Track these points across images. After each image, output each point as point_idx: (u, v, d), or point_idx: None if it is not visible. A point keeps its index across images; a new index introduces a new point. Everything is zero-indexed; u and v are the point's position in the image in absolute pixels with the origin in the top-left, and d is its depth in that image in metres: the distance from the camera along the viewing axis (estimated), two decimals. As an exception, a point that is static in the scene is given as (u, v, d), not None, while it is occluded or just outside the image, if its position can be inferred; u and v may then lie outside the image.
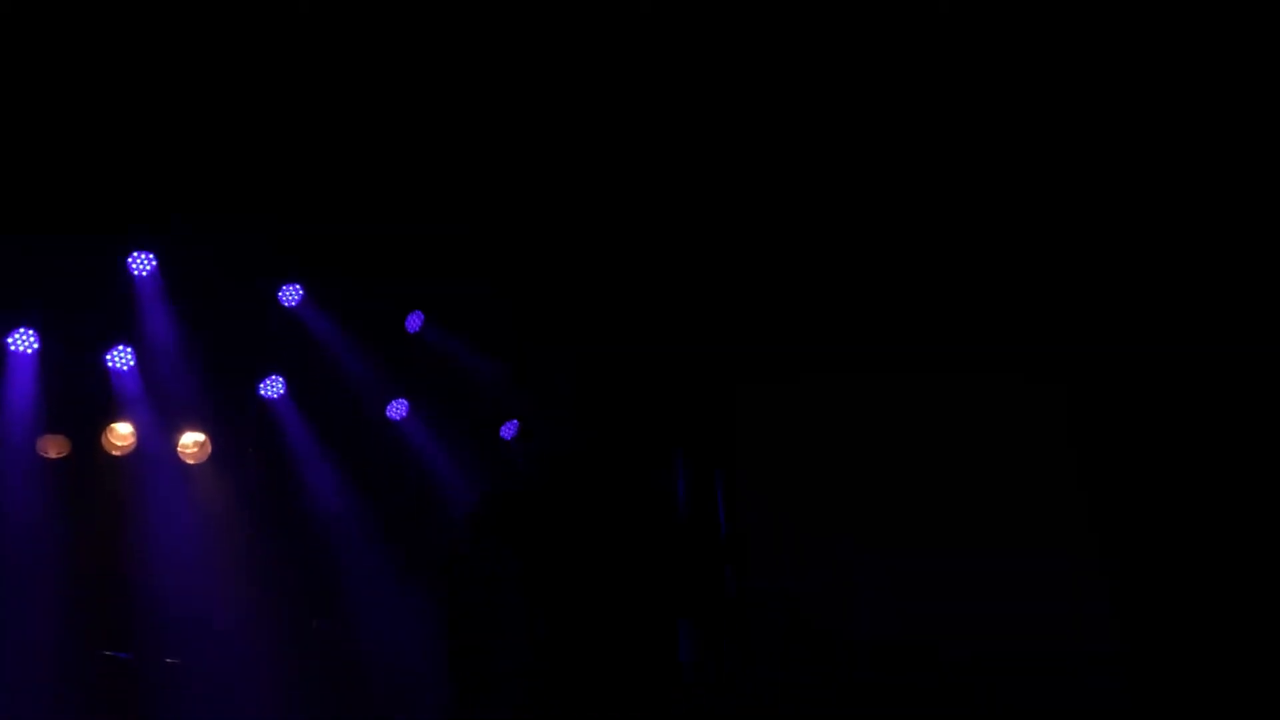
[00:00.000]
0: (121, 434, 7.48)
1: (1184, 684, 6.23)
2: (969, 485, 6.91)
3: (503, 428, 8.15)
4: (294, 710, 7.32)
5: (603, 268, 7.47)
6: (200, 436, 7.49)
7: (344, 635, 7.67)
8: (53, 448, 7.37)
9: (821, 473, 7.38)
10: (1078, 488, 6.67)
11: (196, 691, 7.25)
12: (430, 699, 7.74)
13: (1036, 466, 6.74)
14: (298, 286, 7.51)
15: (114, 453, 7.47)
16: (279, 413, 7.73)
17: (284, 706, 7.33)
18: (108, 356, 7.33)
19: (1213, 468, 6.26)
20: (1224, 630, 6.18)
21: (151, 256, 7.19)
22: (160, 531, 7.43)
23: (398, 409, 7.92)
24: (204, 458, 7.49)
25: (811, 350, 7.30)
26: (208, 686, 7.31)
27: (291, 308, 7.57)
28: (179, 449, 7.49)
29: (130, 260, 7.16)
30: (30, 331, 7.11)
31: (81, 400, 7.36)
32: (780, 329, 7.34)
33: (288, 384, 7.72)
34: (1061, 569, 6.58)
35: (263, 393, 7.69)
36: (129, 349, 7.34)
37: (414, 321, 7.70)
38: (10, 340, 7.08)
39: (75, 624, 7.25)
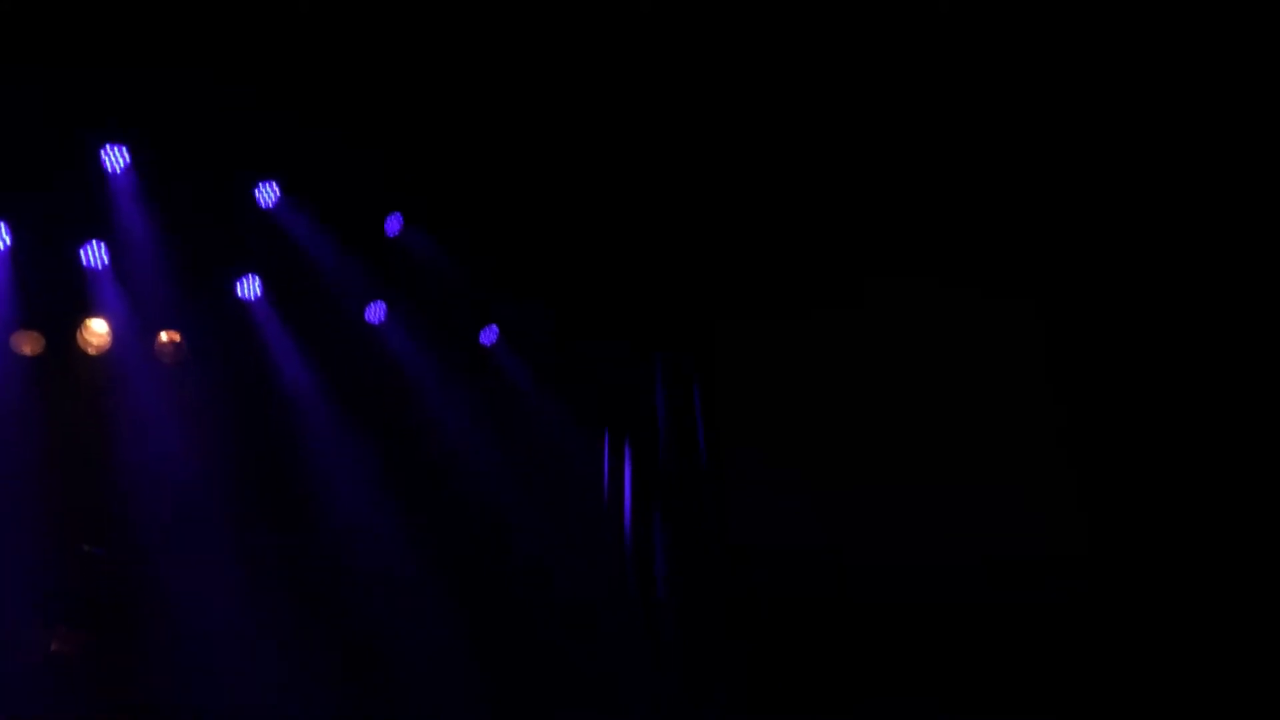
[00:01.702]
0: (97, 332, 7.41)
1: (1146, 586, 6.28)
2: (943, 404, 6.91)
3: (482, 333, 8.10)
4: (270, 603, 7.35)
5: (588, 174, 7.37)
6: (173, 336, 7.42)
7: (318, 535, 7.69)
8: (27, 344, 7.31)
9: (797, 392, 7.36)
10: (1051, 401, 6.67)
11: (172, 585, 7.27)
12: (409, 598, 7.79)
13: (1009, 378, 6.73)
14: (274, 185, 7.39)
15: (89, 350, 7.42)
16: (256, 314, 7.66)
17: (259, 597, 7.35)
18: (81, 252, 7.23)
19: (1181, 379, 6.25)
20: (1189, 534, 6.22)
21: (125, 150, 7.06)
22: (136, 429, 7.40)
23: (376, 312, 7.85)
24: (178, 357, 7.43)
25: (792, 270, 7.26)
26: (183, 580, 7.33)
27: (268, 208, 7.45)
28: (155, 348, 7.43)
29: (103, 154, 7.02)
30: (2, 225, 7.01)
31: (55, 297, 7.28)
32: (758, 250, 7.29)
33: (265, 285, 7.64)
34: (1034, 480, 6.59)
35: (240, 293, 7.61)
36: (103, 245, 7.25)
37: (393, 224, 7.60)
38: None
39: (51, 520, 7.23)
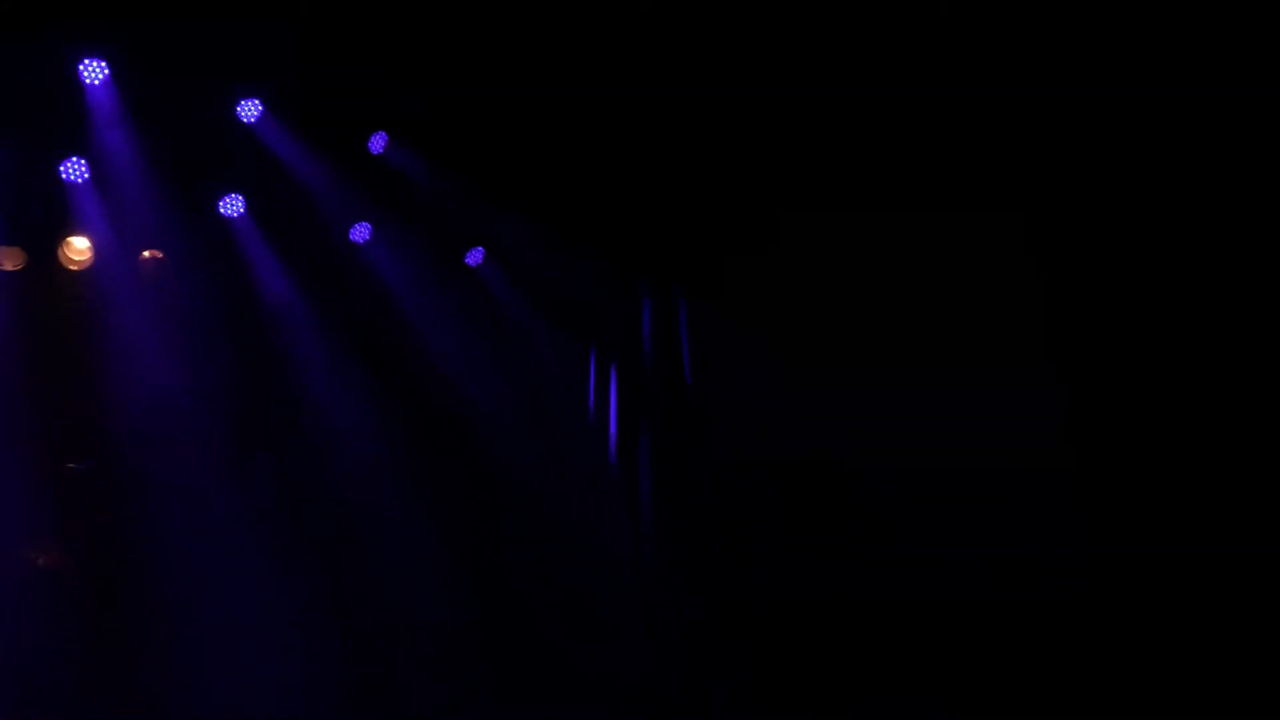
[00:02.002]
0: (78, 248, 7.36)
1: (1127, 499, 6.26)
2: (932, 318, 6.87)
3: (467, 254, 8.05)
4: (261, 511, 7.38)
5: (576, 95, 7.26)
6: (155, 253, 7.37)
7: (303, 452, 7.71)
8: (8, 260, 7.26)
9: (784, 309, 7.32)
10: (1038, 317, 6.63)
11: (160, 498, 7.30)
12: (396, 515, 7.83)
13: (997, 297, 6.68)
14: (257, 102, 7.28)
15: (71, 267, 7.37)
16: (239, 231, 7.61)
17: (244, 514, 7.38)
18: (61, 168, 7.15)
19: (1166, 294, 6.20)
20: (1172, 446, 6.19)
21: (104, 64, 6.95)
22: (119, 346, 7.37)
23: (361, 232, 7.79)
24: (160, 274, 7.39)
25: (780, 188, 7.18)
26: (171, 494, 7.35)
27: (251, 124, 7.35)
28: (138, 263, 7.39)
29: (82, 68, 6.92)
30: (-19, 138, 6.93)
31: (37, 213, 7.21)
32: (752, 166, 7.20)
33: (248, 203, 7.57)
34: (1021, 395, 6.56)
35: (222, 211, 7.54)
36: (83, 161, 7.17)
37: (377, 143, 7.50)
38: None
39: (36, 437, 7.24)
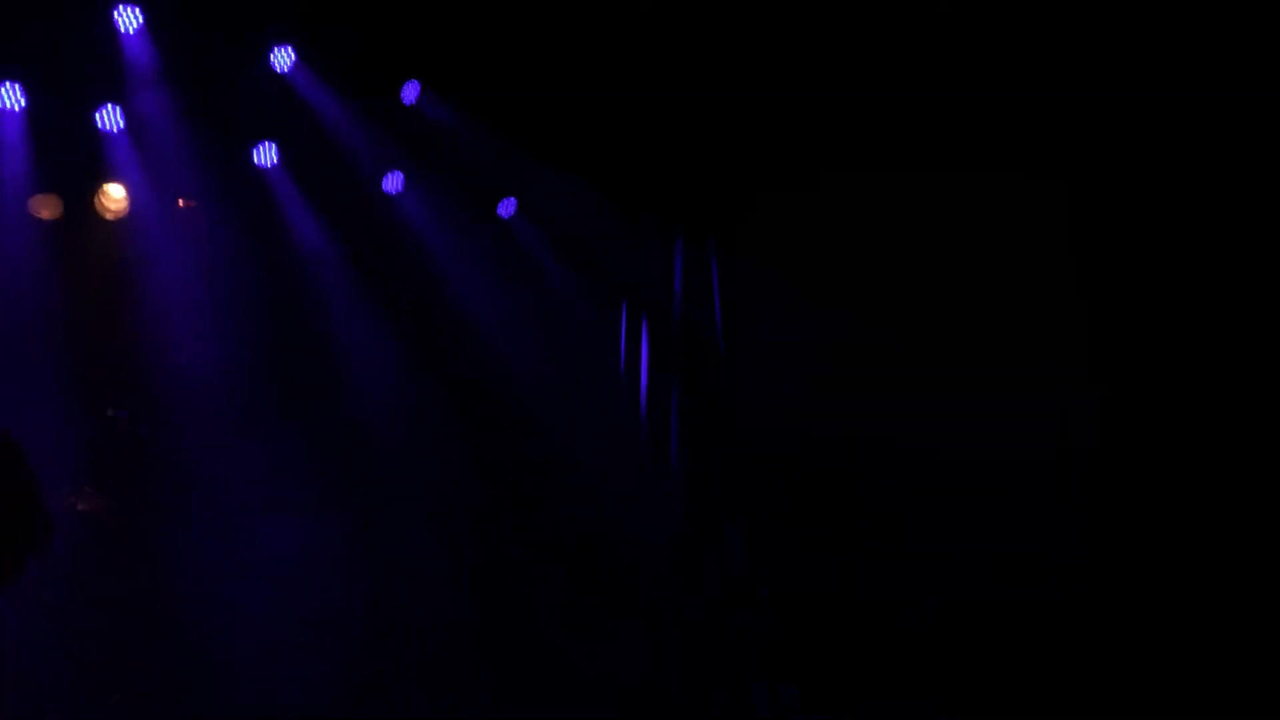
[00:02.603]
0: (114, 197, 7.40)
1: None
2: (969, 284, 6.81)
3: (499, 205, 8.03)
4: (292, 457, 7.44)
5: (611, 46, 7.20)
6: (189, 203, 7.41)
7: (335, 403, 7.76)
8: (45, 208, 7.31)
9: (818, 268, 7.26)
10: (1075, 291, 6.56)
11: (195, 443, 7.37)
12: (426, 465, 7.88)
13: (1034, 265, 6.61)
14: (290, 49, 7.27)
15: (107, 215, 7.41)
16: (272, 181, 7.63)
17: (281, 451, 7.44)
18: (97, 116, 7.18)
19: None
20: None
21: (139, 11, 6.95)
22: (154, 294, 7.43)
23: (394, 182, 7.79)
24: (193, 221, 7.43)
25: (820, 141, 7.11)
26: (204, 439, 7.43)
27: (285, 73, 7.35)
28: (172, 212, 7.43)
29: (116, 15, 6.92)
30: (16, 85, 6.95)
31: (72, 161, 7.25)
32: (791, 118, 7.13)
33: (281, 152, 7.58)
34: (1054, 369, 6.52)
35: (256, 160, 7.56)
36: (118, 109, 7.19)
37: (410, 92, 7.49)
38: (-6, 94, 6.93)
39: (72, 384, 7.31)
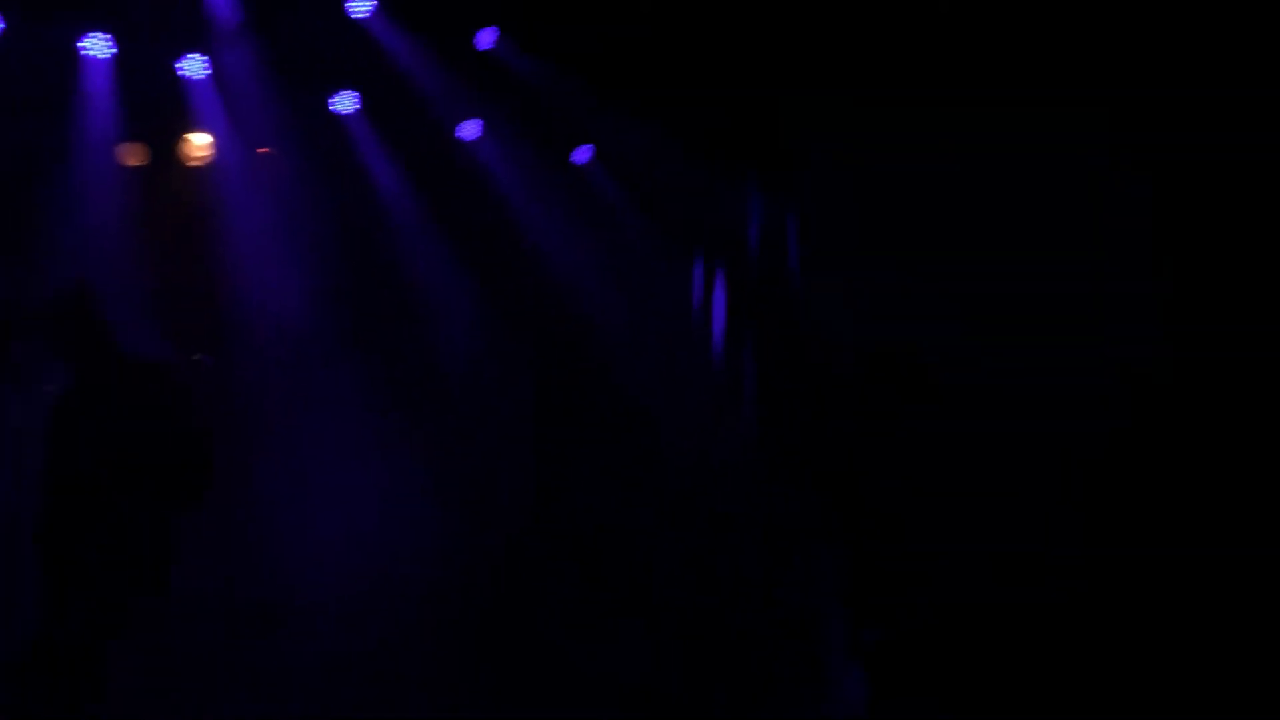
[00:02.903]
0: (198, 144, 7.53)
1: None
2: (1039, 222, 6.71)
3: (575, 152, 8.05)
4: (372, 402, 7.56)
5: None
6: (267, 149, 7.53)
7: (413, 349, 7.88)
8: (132, 155, 7.46)
9: (893, 212, 7.18)
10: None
11: (280, 389, 7.52)
12: (509, 403, 7.97)
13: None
14: (368, -4, 7.32)
15: (191, 163, 7.55)
16: (351, 129, 7.72)
17: (359, 395, 7.57)
18: (180, 65, 7.30)
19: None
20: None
21: (220, -40, 7.04)
22: (236, 239, 7.57)
23: (470, 129, 7.84)
24: (274, 168, 7.56)
25: (897, 81, 7.00)
26: (289, 385, 7.57)
27: (363, 20, 7.41)
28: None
29: (199, -37, 7.01)
30: (107, 36, 7.09)
31: (159, 109, 7.39)
32: (866, 58, 7.03)
33: (360, 100, 7.66)
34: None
35: (334, 108, 7.65)
36: (203, 58, 7.30)
37: (487, 38, 7.51)
38: (84, 45, 7.07)
39: (162, 330, 7.47)
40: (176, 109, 7.40)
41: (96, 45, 7.09)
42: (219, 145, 7.53)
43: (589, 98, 7.60)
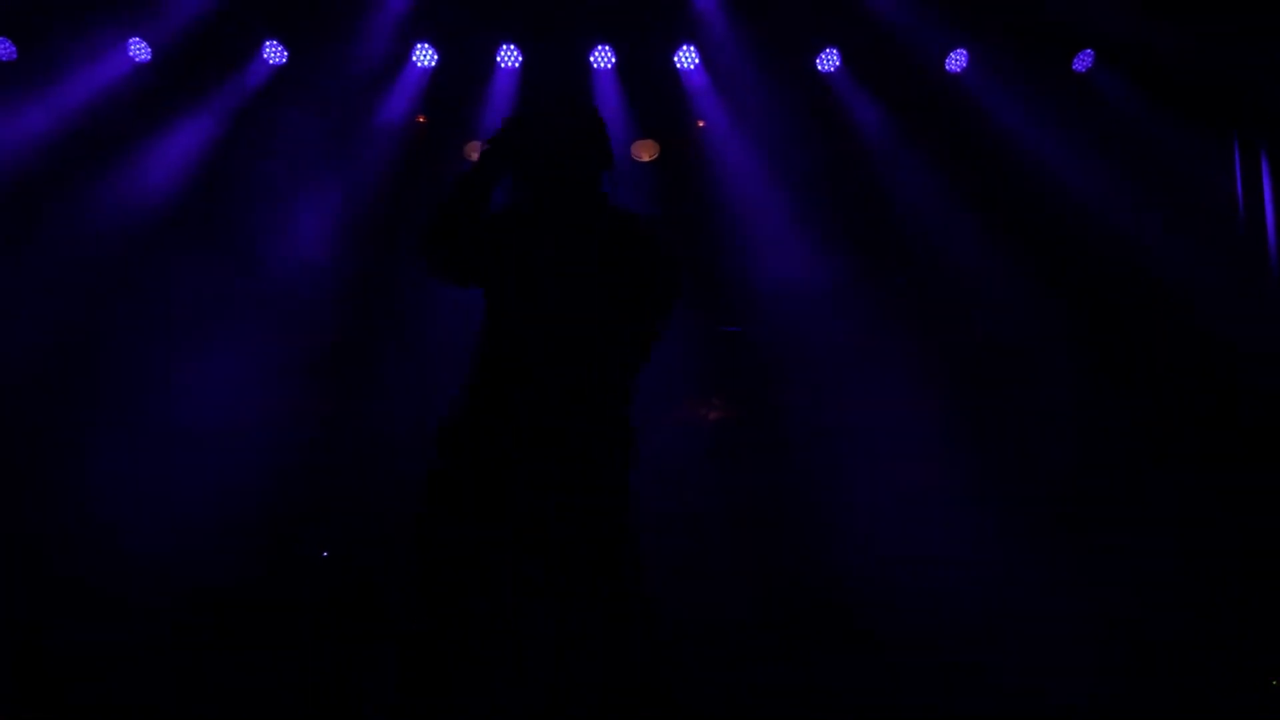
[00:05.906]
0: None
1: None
2: None
3: (1075, 60, 7.50)
4: (909, 374, 7.44)
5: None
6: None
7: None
8: (644, 151, 8.02)
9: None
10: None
11: (811, 358, 7.64)
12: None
13: None
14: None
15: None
16: (837, 86, 7.77)
17: (891, 375, 7.47)
18: (675, 58, 7.77)
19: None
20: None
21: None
22: (748, 212, 7.87)
23: (957, 60, 7.59)
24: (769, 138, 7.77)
25: None
26: (818, 354, 7.67)
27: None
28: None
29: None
30: (606, 47, 7.72)
31: (662, 104, 7.90)
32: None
33: (842, 55, 7.70)
34: None
35: (819, 66, 7.74)
36: (692, 47, 7.72)
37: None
38: (591, 57, 7.75)
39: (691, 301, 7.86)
40: (676, 100, 7.86)
41: (599, 58, 7.74)
42: (713, 129, 7.87)
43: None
